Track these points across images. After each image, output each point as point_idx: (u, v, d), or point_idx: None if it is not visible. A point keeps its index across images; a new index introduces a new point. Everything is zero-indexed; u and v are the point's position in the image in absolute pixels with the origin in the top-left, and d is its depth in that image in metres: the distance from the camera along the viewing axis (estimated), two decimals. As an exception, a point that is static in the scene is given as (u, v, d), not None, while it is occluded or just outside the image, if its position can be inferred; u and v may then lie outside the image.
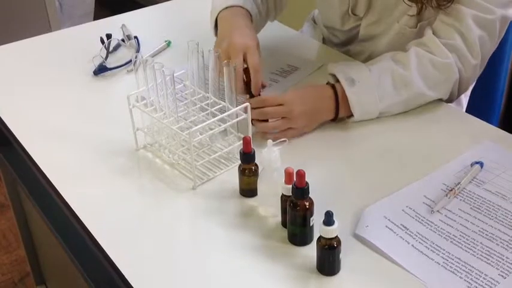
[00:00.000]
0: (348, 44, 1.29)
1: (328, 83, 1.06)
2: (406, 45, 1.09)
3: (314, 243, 0.77)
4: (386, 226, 0.83)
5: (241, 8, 1.14)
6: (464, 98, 1.28)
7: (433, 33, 1.06)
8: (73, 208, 0.89)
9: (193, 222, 0.87)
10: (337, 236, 0.74)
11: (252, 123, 0.96)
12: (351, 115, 1.04)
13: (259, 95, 1.03)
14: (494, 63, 1.20)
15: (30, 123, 1.09)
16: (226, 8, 1.14)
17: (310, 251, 0.78)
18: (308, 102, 1.01)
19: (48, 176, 0.96)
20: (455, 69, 1.05)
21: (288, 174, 0.79)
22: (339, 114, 1.03)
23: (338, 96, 1.02)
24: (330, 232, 0.73)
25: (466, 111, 1.29)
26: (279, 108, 0.99)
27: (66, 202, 0.90)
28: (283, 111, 0.99)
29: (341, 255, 0.76)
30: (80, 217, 0.87)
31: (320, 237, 0.75)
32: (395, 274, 0.76)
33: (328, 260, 0.75)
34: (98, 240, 0.83)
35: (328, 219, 0.73)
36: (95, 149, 1.01)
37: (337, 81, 1.04)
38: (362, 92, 1.02)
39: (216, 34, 1.17)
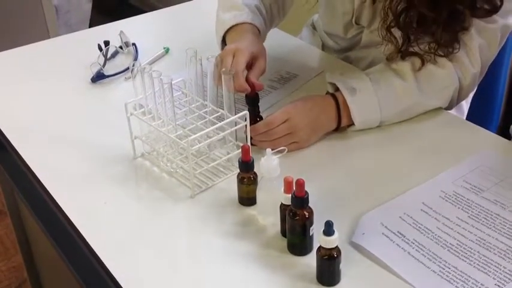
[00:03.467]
0: (349, 51, 1.29)
1: (327, 93, 1.05)
2: None
3: (314, 253, 0.77)
4: (382, 233, 0.83)
5: (250, 24, 1.12)
6: (465, 105, 1.28)
7: None
8: (69, 217, 0.89)
9: (191, 231, 0.87)
10: (337, 246, 0.74)
11: (252, 144, 0.95)
12: (352, 124, 1.03)
13: (256, 100, 1.01)
14: (493, 69, 1.20)
15: (27, 130, 1.09)
16: (236, 24, 1.12)
17: (310, 260, 0.78)
18: (310, 115, 1.00)
19: (44, 184, 0.95)
20: (455, 78, 1.05)
21: (287, 183, 0.79)
22: (341, 123, 1.03)
23: (339, 105, 1.02)
24: (330, 242, 0.73)
25: (466, 117, 1.29)
26: (284, 126, 0.98)
27: (63, 210, 0.90)
28: (288, 127, 0.98)
29: (341, 265, 0.75)
30: (77, 226, 0.87)
31: (320, 247, 0.74)
32: (398, 286, 0.76)
33: (328, 271, 0.75)
34: (94, 249, 0.83)
35: (328, 229, 0.72)
36: (92, 156, 1.01)
37: (336, 90, 1.04)
38: (363, 101, 1.02)
39: (222, 49, 1.14)
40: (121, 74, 1.24)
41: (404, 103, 1.04)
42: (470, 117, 1.29)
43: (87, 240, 0.85)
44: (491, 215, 0.85)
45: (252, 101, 1.01)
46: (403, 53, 1.05)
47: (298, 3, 1.28)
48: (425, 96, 1.05)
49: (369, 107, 1.02)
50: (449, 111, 1.12)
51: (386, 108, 1.03)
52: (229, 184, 0.93)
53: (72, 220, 0.88)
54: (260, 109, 1.03)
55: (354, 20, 1.19)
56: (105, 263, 0.81)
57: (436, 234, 0.82)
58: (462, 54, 1.04)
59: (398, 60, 1.07)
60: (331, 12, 1.24)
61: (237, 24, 1.12)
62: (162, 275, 0.79)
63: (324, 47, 1.37)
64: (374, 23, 1.17)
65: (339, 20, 1.22)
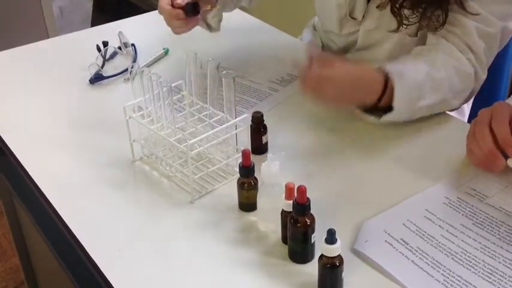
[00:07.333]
0: (346, 52, 1.28)
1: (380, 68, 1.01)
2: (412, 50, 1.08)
3: (315, 261, 0.75)
4: (385, 241, 0.81)
5: None
6: (467, 107, 1.28)
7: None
8: (66, 220, 0.87)
9: (190, 237, 0.85)
10: (339, 255, 0.72)
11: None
12: (377, 114, 1.00)
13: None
14: (495, 72, 1.20)
15: (23, 132, 1.08)
16: None
17: (311, 268, 0.76)
18: (355, 75, 0.97)
19: (41, 188, 0.94)
20: (473, 81, 1.05)
21: (289, 190, 0.77)
22: (380, 102, 0.99)
23: (387, 84, 0.98)
24: (332, 251, 0.71)
25: (468, 120, 1.28)
26: (318, 74, 0.94)
27: (59, 215, 0.89)
28: (322, 78, 0.94)
29: (343, 274, 0.74)
30: (73, 230, 0.86)
31: (322, 256, 0.73)
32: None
33: (330, 280, 0.73)
34: (90, 253, 0.82)
35: (331, 238, 0.71)
36: (90, 159, 0.99)
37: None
38: (407, 87, 0.98)
39: None
40: (120, 75, 1.23)
41: (433, 97, 1.01)
42: (471, 119, 1.28)
43: (84, 244, 0.83)
44: (496, 223, 0.84)
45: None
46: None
47: (298, 4, 1.27)
48: (451, 94, 1.03)
49: (411, 94, 0.99)
50: (451, 114, 1.11)
51: (421, 100, 1.00)
52: (229, 189, 0.91)
53: (69, 224, 0.87)
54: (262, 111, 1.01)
55: (348, 13, 1.18)
56: (101, 267, 0.79)
57: (440, 242, 0.81)
58: (474, 60, 1.05)
59: (434, 53, 1.05)
60: (326, 7, 1.23)
61: None
62: (159, 282, 0.78)
63: (323, 48, 1.36)
64: (368, 19, 1.16)
65: (333, 15, 1.21)
